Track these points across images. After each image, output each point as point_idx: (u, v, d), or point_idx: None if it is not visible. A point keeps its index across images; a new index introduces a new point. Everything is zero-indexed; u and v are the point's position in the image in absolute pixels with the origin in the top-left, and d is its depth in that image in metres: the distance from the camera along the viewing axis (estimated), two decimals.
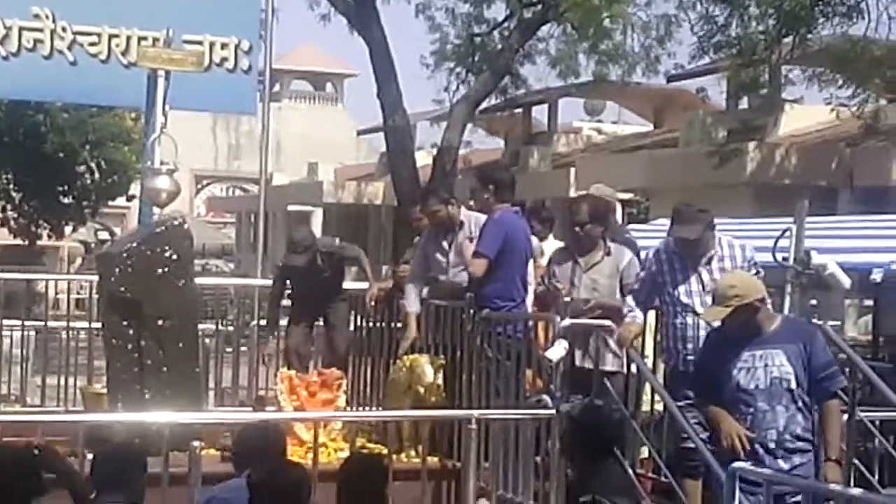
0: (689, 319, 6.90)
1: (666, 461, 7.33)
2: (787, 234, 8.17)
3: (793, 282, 8.06)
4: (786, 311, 8.03)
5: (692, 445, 6.64)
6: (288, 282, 9.59)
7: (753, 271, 6.93)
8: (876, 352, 10.73)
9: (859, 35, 17.54)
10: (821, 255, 8.05)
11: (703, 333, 6.65)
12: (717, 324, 6.22)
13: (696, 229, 7.00)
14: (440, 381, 7.93)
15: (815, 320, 7.39)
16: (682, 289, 6.96)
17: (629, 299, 7.35)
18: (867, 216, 11.92)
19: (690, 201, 7.71)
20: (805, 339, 6.07)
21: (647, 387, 7.95)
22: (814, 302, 7.58)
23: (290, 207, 37.26)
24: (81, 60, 10.56)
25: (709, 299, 6.63)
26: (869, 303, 9.46)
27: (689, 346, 6.89)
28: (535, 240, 8.80)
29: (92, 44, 10.58)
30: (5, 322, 10.55)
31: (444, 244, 8.51)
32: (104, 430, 6.35)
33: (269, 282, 10.13)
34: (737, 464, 5.80)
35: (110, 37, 10.59)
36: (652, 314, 8.45)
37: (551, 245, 9.20)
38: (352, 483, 5.14)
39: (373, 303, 9.09)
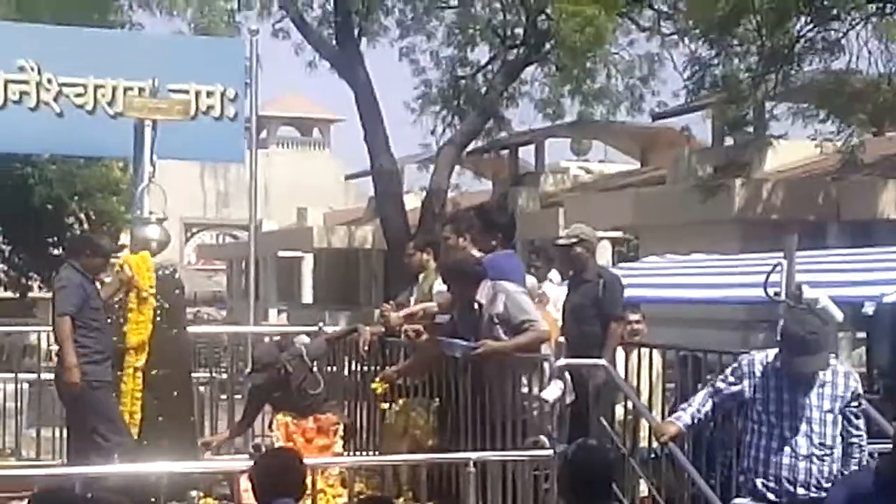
0: (775, 444, 6.15)
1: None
2: (778, 269, 8.20)
3: (785, 316, 8.09)
4: None
5: None
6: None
7: (856, 404, 6.26)
8: (871, 384, 10.74)
9: (841, 69, 17.70)
10: (812, 290, 8.08)
11: (787, 461, 6.10)
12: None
13: (823, 359, 6.18)
14: (435, 423, 7.93)
15: None
16: (772, 408, 6.18)
17: (699, 393, 6.57)
18: (856, 249, 11.96)
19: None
20: None
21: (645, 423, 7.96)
22: None
23: (281, 253, 37.26)
24: (68, 112, 10.54)
25: (801, 426, 6.10)
26: (862, 335, 9.47)
27: (771, 471, 6.14)
28: (532, 279, 8.88)
29: (78, 95, 10.56)
30: None
31: (413, 287, 9.13)
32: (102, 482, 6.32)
33: (262, 329, 10.09)
34: (738, 500, 5.80)
35: (96, 87, 10.57)
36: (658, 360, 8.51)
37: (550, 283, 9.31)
38: None
39: (366, 347, 9.09)
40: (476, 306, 7.72)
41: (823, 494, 5.99)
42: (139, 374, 8.34)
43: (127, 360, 8.32)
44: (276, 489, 5.39)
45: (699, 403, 6.44)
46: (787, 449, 6.09)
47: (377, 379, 8.43)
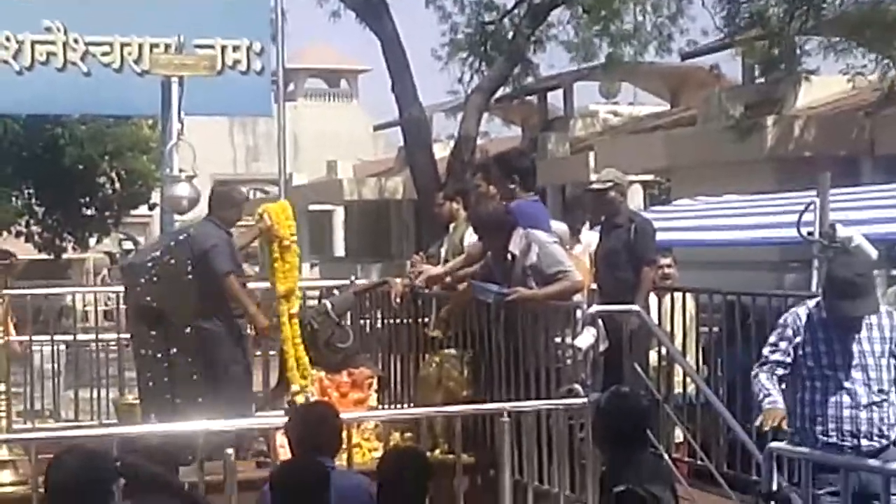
0: (832, 397, 5.88)
1: None
2: (812, 207, 8.13)
3: (819, 256, 8.03)
4: (813, 286, 8.00)
5: None
6: None
7: None
8: None
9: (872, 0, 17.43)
10: (846, 228, 8.01)
11: (848, 413, 5.82)
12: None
13: (874, 302, 5.90)
14: (469, 375, 7.94)
15: None
16: (825, 361, 5.91)
17: (762, 377, 6.04)
18: (890, 185, 11.84)
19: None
20: None
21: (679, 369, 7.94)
22: None
23: (312, 207, 37.30)
24: (95, 71, 10.55)
25: (857, 374, 5.83)
26: None
27: (831, 425, 5.88)
28: (562, 225, 8.84)
29: (104, 54, 10.56)
30: (35, 337, 10.60)
31: (444, 238, 9.12)
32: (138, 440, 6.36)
33: None
34: (774, 444, 5.77)
35: (122, 46, 10.56)
36: (691, 304, 8.43)
37: (587, 233, 9.26)
38: (392, 477, 5.16)
39: (398, 300, 9.08)
40: (509, 256, 7.69)
41: (885, 442, 5.84)
42: (294, 320, 8.54)
43: (280, 309, 8.49)
44: (312, 444, 5.41)
45: (774, 384, 6.00)
46: (846, 399, 5.83)
47: (433, 328, 8.47)
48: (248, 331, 8.55)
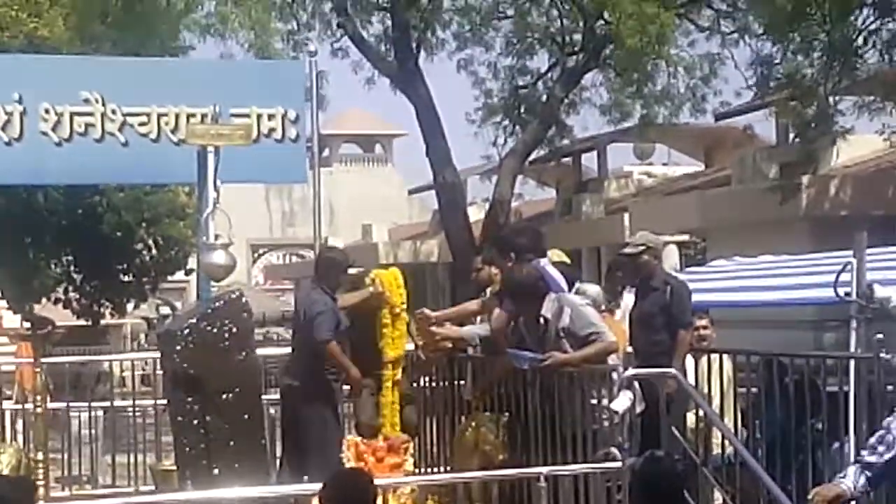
0: None
1: None
2: (848, 267, 8.08)
3: (857, 316, 7.97)
4: (852, 346, 7.94)
5: None
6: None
7: None
8: None
9: None
10: (884, 287, 7.95)
11: None
12: None
13: None
14: (505, 438, 7.91)
15: (882, 355, 7.22)
16: None
17: (851, 469, 5.83)
18: None
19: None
20: None
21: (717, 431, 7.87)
22: (880, 336, 7.46)
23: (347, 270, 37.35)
24: (132, 141, 10.64)
25: None
26: None
27: None
28: (596, 287, 8.85)
29: (142, 124, 10.66)
30: (73, 404, 10.65)
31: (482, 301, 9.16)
32: None
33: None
34: None
35: (159, 116, 10.66)
36: (728, 365, 8.37)
37: (627, 296, 9.25)
38: None
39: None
40: (542, 321, 7.70)
41: None
42: (397, 387, 8.93)
43: (385, 374, 8.90)
44: None
45: (854, 477, 5.78)
46: None
47: (469, 394, 8.58)
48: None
